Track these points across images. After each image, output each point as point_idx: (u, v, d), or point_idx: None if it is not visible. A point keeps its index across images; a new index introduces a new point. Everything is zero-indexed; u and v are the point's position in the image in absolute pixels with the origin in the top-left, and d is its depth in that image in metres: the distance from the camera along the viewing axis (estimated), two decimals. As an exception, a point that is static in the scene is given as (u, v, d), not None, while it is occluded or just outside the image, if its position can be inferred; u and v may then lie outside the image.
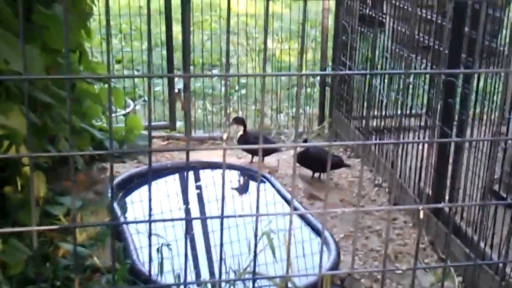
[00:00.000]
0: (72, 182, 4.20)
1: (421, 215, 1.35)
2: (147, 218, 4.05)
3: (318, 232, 3.69)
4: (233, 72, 6.74)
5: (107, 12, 1.11)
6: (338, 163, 4.47)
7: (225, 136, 1.63)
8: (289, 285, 2.92)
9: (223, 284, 3.17)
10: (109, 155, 1.08)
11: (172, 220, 3.63)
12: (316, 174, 4.54)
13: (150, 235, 1.35)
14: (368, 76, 5.45)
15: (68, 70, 1.22)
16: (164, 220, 1.26)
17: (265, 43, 1.21)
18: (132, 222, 3.41)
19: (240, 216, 3.52)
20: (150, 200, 1.32)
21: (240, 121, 4.75)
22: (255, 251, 1.29)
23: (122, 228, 3.53)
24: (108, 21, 1.15)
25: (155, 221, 1.37)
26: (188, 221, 3.69)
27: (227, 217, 3.64)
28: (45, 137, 3.12)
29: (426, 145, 4.01)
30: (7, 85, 2.44)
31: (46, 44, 2.81)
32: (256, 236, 1.38)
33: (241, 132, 4.71)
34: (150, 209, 1.34)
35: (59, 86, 3.44)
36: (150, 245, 1.30)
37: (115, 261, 3.32)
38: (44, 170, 3.14)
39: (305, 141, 4.61)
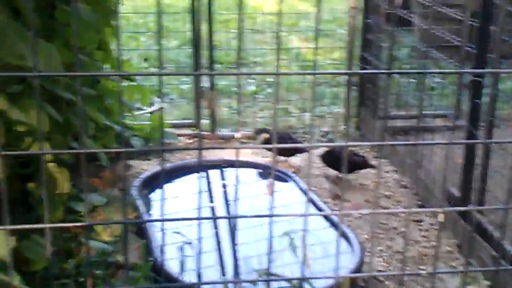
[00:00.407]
0: (98, 178, 4.21)
1: (440, 218, 1.30)
2: (172, 216, 4.05)
3: (343, 233, 3.64)
4: (260, 71, 6.73)
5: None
6: (363, 164, 4.42)
7: (239, 135, 1.55)
8: (307, 286, 2.88)
9: (246, 284, 3.15)
10: (124, 153, 1.06)
11: (184, 219, 3.60)
12: (340, 175, 4.49)
13: (163, 233, 1.34)
14: (395, 75, 5.39)
15: (82, 68, 1.20)
16: (175, 219, 1.22)
17: (277, 40, 1.19)
18: (146, 221, 3.39)
19: (254, 216, 3.48)
20: (163, 199, 1.31)
21: (261, 132, 4.70)
22: (269, 253, 1.26)
23: (145, 225, 3.53)
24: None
25: (168, 220, 1.36)
26: (211, 219, 3.67)
27: (237, 217, 3.62)
28: (69, 134, 3.12)
29: (452, 146, 3.94)
30: (29, 82, 2.44)
31: (68, 41, 2.81)
32: (271, 237, 1.35)
33: (266, 135, 4.66)
34: (163, 208, 1.33)
35: (83, 83, 3.45)
36: (163, 243, 1.29)
37: (139, 258, 3.32)
38: (68, 166, 3.14)
39: (330, 141, 4.56)
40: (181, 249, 3.11)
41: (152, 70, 6.74)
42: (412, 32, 6.13)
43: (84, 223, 1.45)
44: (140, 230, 3.55)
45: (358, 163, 4.38)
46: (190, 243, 3.15)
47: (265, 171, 4.44)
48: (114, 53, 4.68)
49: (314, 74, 1.18)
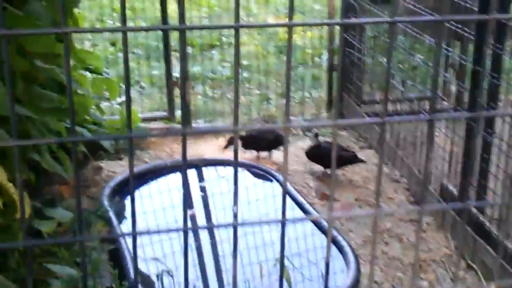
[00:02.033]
0: (64, 185, 3.81)
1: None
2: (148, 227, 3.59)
3: (334, 240, 3.30)
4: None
5: None
6: (352, 159, 4.07)
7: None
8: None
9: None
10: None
11: (159, 232, 3.24)
12: (328, 170, 4.15)
13: (134, 250, 0.99)
14: (378, 56, 5.02)
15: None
16: (149, 233, 0.95)
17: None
18: (113, 237, 3.01)
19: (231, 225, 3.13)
20: (133, 208, 0.95)
21: (232, 142, 4.29)
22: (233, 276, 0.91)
23: (118, 242, 3.16)
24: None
25: (141, 233, 1.00)
26: (188, 231, 3.31)
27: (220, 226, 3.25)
28: (29, 150, 2.73)
29: (452, 138, 3.61)
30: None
31: (21, 47, 2.39)
32: (235, 246, 1.01)
33: (243, 133, 4.28)
34: (134, 221, 0.98)
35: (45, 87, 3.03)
36: (135, 265, 0.95)
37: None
38: (27, 187, 2.75)
39: (316, 135, 4.21)
40: (158, 277, 2.74)
41: (120, 55, 6.28)
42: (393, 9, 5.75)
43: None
44: (114, 247, 3.18)
45: (346, 158, 4.04)
46: (168, 271, 2.78)
47: (249, 170, 4.07)
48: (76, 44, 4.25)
49: (291, 26, 0.85)
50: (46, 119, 2.73)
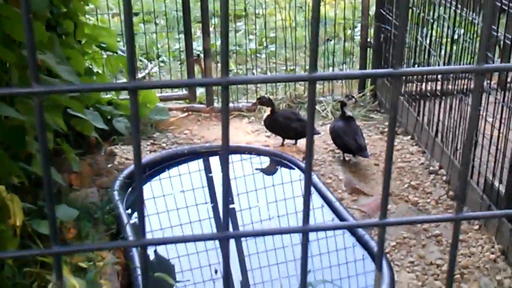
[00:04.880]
0: (74, 174, 3.48)
1: None
2: (167, 223, 3.21)
3: (365, 244, 2.92)
4: (261, 24, 5.86)
5: None
6: (352, 149, 3.66)
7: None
8: None
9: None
10: None
11: (183, 242, 2.89)
12: (347, 157, 3.74)
13: (145, 260, 0.68)
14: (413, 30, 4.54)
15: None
16: (158, 244, 0.70)
17: None
18: (118, 246, 2.66)
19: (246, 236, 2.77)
20: (142, 211, 0.64)
21: (265, 102, 3.94)
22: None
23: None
24: None
25: (149, 244, 0.69)
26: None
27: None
28: (19, 156, 2.39)
29: (500, 126, 3.17)
30: None
31: (8, 37, 2.03)
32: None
33: (268, 113, 3.91)
34: (143, 227, 0.67)
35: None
36: (146, 275, 0.66)
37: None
38: (18, 191, 2.42)
39: (346, 101, 3.82)
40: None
41: (143, 27, 5.88)
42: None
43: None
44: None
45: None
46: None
47: (272, 160, 3.70)
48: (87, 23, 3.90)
49: None
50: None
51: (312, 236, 2.91)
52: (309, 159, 0.70)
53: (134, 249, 2.70)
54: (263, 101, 3.96)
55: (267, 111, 3.90)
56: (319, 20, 0.60)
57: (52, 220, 0.67)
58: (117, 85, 0.66)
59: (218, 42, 5.44)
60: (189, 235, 0.76)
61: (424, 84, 4.06)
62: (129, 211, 3.22)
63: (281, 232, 0.78)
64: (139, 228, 0.72)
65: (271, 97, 4.17)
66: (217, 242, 2.93)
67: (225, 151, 0.71)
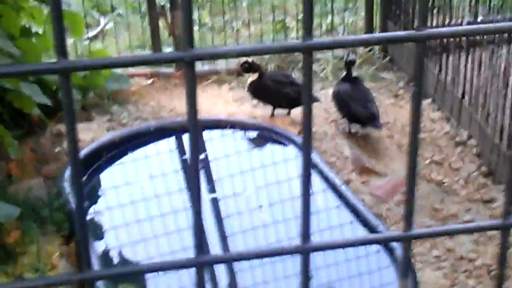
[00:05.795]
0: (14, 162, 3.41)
1: None
2: (133, 217, 3.18)
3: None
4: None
5: None
6: (361, 118, 3.63)
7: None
8: None
9: None
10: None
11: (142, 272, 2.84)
12: (353, 128, 3.71)
13: None
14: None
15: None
16: (107, 277, 0.67)
17: None
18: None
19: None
20: (85, 235, 0.61)
21: (250, 68, 3.88)
22: None
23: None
24: None
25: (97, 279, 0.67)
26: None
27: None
28: None
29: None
30: None
31: None
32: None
33: (252, 78, 3.86)
34: (88, 256, 0.69)
35: None
36: None
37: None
38: None
39: (350, 63, 3.79)
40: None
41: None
42: None
43: None
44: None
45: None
46: None
47: (261, 135, 3.66)
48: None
49: None
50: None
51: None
52: (307, 134, 0.65)
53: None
54: (247, 67, 3.90)
55: (253, 75, 3.84)
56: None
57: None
58: (43, 66, 0.60)
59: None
60: (153, 264, 0.69)
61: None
62: (85, 204, 3.17)
63: (275, 253, 0.73)
64: (83, 258, 0.67)
65: (256, 59, 4.09)
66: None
67: (195, 146, 0.66)
